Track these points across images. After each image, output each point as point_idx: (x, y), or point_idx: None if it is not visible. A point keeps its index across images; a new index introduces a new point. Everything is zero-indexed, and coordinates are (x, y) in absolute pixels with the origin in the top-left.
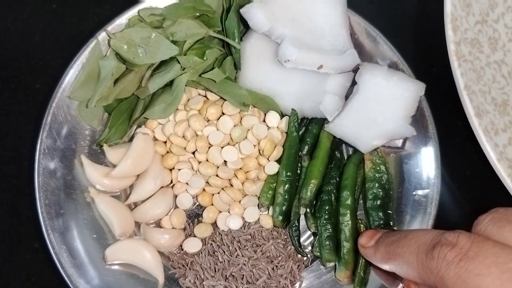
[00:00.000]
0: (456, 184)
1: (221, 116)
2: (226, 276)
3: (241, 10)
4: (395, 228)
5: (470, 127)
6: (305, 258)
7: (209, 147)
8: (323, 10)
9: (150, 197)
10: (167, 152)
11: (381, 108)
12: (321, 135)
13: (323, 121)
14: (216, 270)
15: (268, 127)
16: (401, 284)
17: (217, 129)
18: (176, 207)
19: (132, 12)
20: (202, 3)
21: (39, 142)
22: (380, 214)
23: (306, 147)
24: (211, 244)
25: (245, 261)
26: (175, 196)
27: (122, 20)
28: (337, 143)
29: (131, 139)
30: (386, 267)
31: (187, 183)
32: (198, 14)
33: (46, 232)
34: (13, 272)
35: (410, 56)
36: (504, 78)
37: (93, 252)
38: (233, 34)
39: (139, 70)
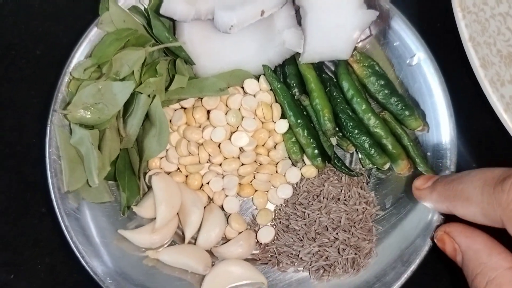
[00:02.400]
0: (468, 145)
1: (208, 114)
2: (312, 237)
3: (161, 12)
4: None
5: (477, 82)
6: (361, 177)
7: (219, 146)
8: None
9: (201, 224)
10: (186, 176)
11: (335, 12)
12: (302, 71)
13: (293, 57)
14: (301, 239)
15: (253, 95)
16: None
17: (214, 127)
18: (229, 214)
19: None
20: (122, 31)
21: (51, 112)
22: (395, 98)
23: (296, 89)
24: (280, 222)
25: (318, 214)
26: (221, 207)
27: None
28: (317, 67)
29: (149, 187)
30: (442, 207)
31: (222, 189)
32: (124, 42)
33: (54, 196)
34: (21, 237)
35: (415, 14)
36: (509, 31)
37: (99, 217)
38: (166, 37)
39: (110, 125)
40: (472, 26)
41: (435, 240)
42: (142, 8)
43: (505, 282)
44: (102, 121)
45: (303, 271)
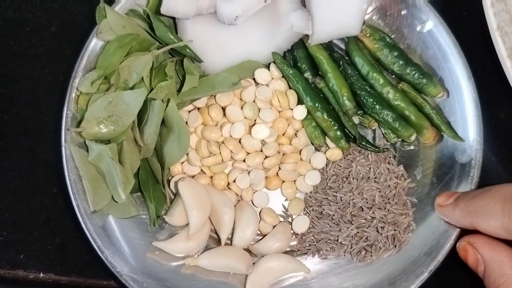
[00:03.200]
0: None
1: (223, 110)
2: (348, 220)
3: (162, 12)
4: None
5: (502, 72)
6: (387, 152)
7: (239, 142)
8: None
9: (235, 223)
10: (211, 177)
11: None
12: (312, 53)
13: (301, 41)
14: (337, 223)
15: (266, 84)
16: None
17: (232, 123)
18: (260, 209)
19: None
20: (123, 37)
21: (63, 132)
22: (411, 67)
23: (309, 72)
24: (312, 210)
25: (350, 196)
26: (252, 202)
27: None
28: (327, 47)
29: (174, 193)
30: (465, 223)
31: (250, 185)
32: (128, 49)
33: (81, 218)
34: (32, 216)
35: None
36: None
37: (129, 231)
38: (170, 38)
39: (127, 136)
40: (500, 15)
41: (458, 250)
42: (141, 11)
43: None
44: (118, 133)
45: (344, 255)
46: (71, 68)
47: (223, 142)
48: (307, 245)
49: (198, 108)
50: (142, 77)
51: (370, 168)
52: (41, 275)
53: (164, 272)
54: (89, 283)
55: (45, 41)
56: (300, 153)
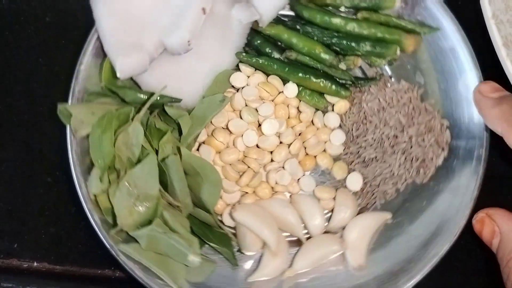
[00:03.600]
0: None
1: (227, 129)
2: (391, 152)
3: (121, 78)
4: None
5: (497, 61)
6: (383, 78)
7: (258, 146)
8: None
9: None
10: (254, 192)
11: None
12: (269, 33)
13: (253, 30)
14: (384, 160)
15: (247, 84)
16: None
17: (241, 136)
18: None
19: None
20: (100, 122)
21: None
22: None
23: (275, 52)
24: (354, 164)
25: (379, 131)
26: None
27: None
28: (278, 21)
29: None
30: (496, 126)
31: (292, 178)
32: (113, 130)
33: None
34: (26, 206)
35: None
36: None
37: (218, 278)
38: (142, 97)
39: (162, 205)
40: (495, 3)
41: (474, 222)
42: (98, 89)
43: None
44: (153, 208)
45: (407, 182)
46: (65, 58)
47: (245, 157)
48: (371, 195)
49: (204, 142)
50: (142, 145)
51: (378, 99)
52: (35, 264)
53: None
54: (83, 272)
55: (40, 32)
56: (313, 124)
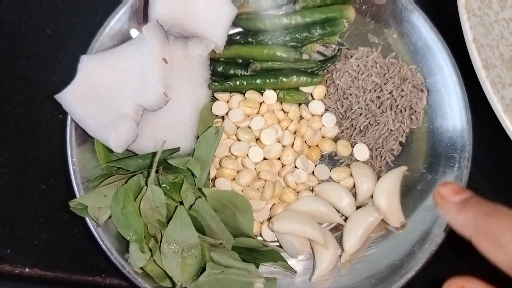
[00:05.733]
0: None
1: (231, 154)
2: (382, 110)
3: (118, 152)
4: None
5: (480, 87)
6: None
7: (265, 158)
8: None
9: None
10: (280, 201)
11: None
12: (227, 57)
13: (210, 58)
14: (378, 122)
15: (229, 109)
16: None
17: (247, 156)
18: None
19: None
20: (117, 199)
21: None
22: None
23: (240, 70)
24: (354, 136)
25: (363, 97)
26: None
27: None
28: (230, 41)
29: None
30: (464, 231)
31: (311, 174)
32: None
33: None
34: (20, 212)
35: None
36: None
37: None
38: (145, 164)
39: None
40: (476, 28)
41: None
42: (99, 170)
43: None
44: (200, 255)
45: (406, 132)
46: (64, 69)
47: (258, 172)
48: (381, 158)
49: (215, 177)
50: (165, 204)
51: (347, 71)
52: (27, 270)
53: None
54: (74, 279)
55: (40, 43)
56: (303, 117)
